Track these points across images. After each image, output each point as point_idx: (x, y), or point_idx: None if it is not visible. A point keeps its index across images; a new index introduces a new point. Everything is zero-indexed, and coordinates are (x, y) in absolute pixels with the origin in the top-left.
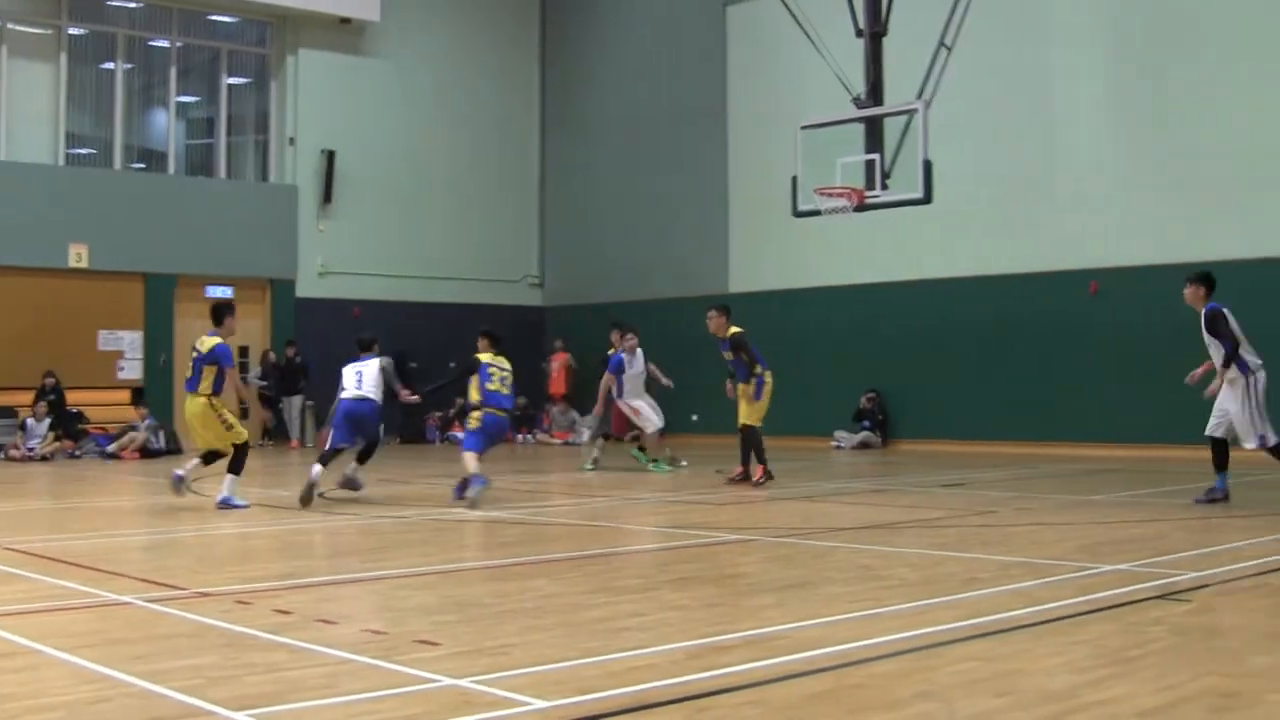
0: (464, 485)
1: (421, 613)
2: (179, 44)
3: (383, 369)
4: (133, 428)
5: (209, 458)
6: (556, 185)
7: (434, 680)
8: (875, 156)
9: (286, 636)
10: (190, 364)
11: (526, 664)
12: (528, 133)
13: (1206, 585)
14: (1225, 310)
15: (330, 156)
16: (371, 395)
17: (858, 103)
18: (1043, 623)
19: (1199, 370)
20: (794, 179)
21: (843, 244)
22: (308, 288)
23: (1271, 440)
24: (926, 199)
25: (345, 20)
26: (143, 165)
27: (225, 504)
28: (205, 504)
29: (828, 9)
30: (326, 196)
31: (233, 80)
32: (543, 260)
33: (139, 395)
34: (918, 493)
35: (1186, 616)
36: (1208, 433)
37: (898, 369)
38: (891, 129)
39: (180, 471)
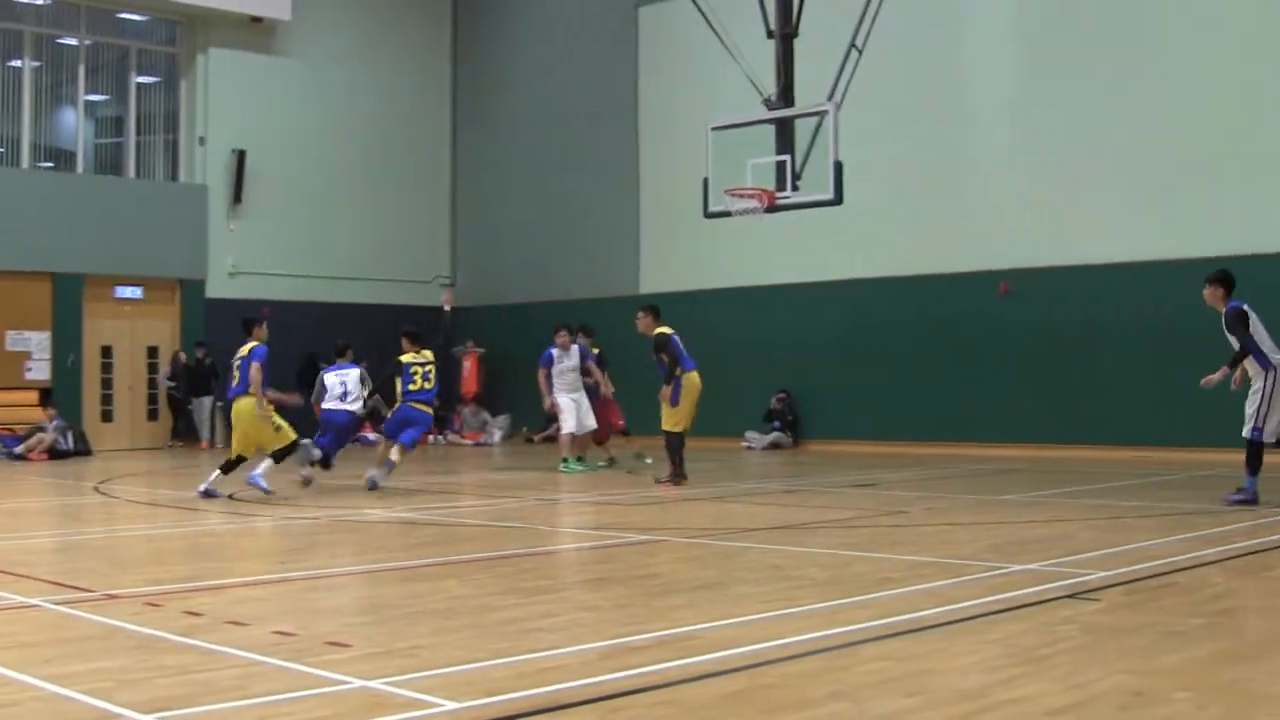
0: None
1: (332, 614)
2: (88, 42)
3: (361, 377)
4: (40, 429)
5: (228, 466)
6: (468, 185)
7: (345, 682)
8: (786, 158)
9: (197, 639)
10: (235, 371)
11: (437, 665)
12: (439, 132)
13: (1115, 584)
14: (1246, 309)
15: (241, 156)
16: (352, 407)
17: (768, 104)
18: (954, 622)
19: (1217, 376)
20: (705, 180)
21: (753, 245)
22: (218, 288)
23: (1269, 439)
24: (837, 200)
25: (256, 19)
26: (51, 164)
27: (253, 482)
28: (115, 505)
29: (739, 10)
30: (237, 196)
31: (142, 79)
32: (454, 260)
33: (47, 396)
34: (828, 493)
35: (1096, 615)
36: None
37: (808, 370)
38: (802, 130)
39: (203, 487)
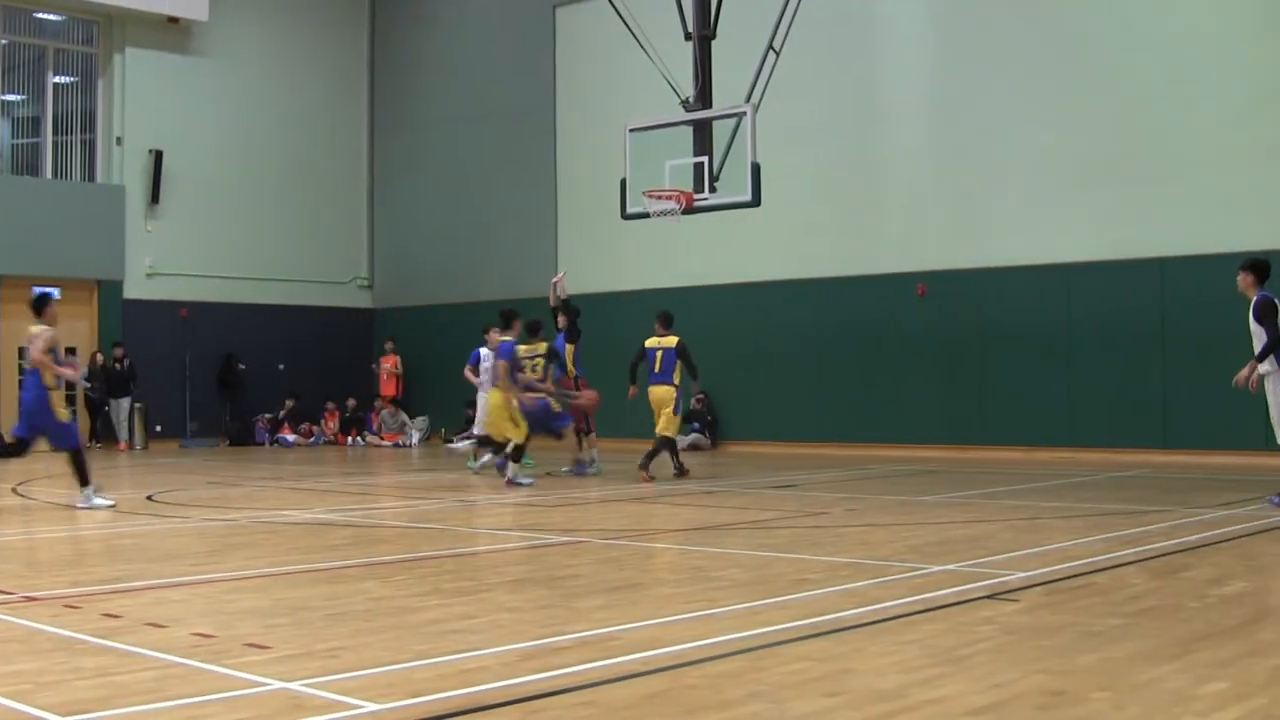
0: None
1: (252, 616)
2: (4, 41)
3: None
4: None
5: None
6: (386, 186)
7: (264, 684)
8: (704, 159)
9: (115, 641)
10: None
11: (358, 667)
12: (357, 133)
13: (1034, 585)
14: (1277, 300)
15: (158, 156)
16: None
17: (686, 105)
18: (874, 623)
19: (1245, 371)
20: (623, 181)
21: (672, 247)
22: (135, 289)
23: None
24: (755, 202)
25: (173, 20)
26: None
27: (512, 482)
28: (33, 507)
29: (656, 12)
30: (154, 197)
31: (59, 79)
32: (372, 261)
33: None
34: (748, 494)
35: (1015, 616)
36: None
37: (726, 371)
38: (720, 132)
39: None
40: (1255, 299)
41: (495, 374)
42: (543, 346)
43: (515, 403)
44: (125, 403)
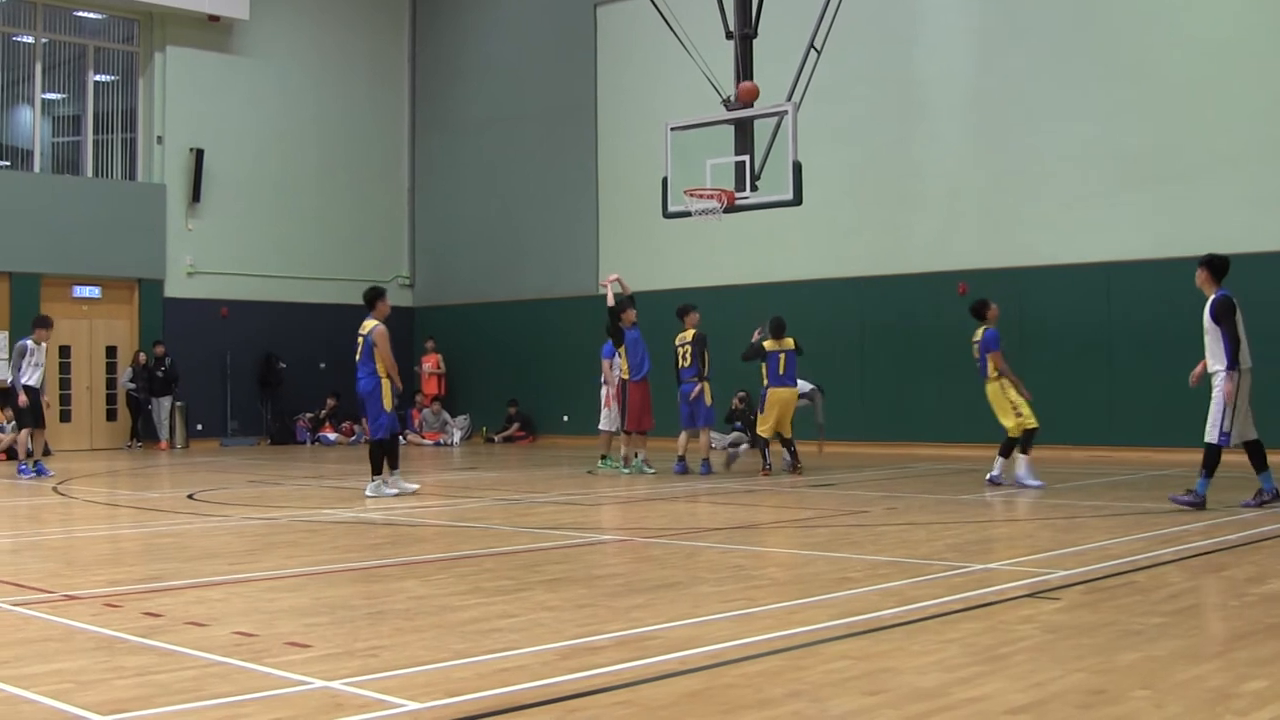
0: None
1: (292, 615)
2: (44, 40)
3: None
4: None
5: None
6: (427, 185)
7: (305, 683)
8: (745, 158)
9: (156, 640)
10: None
11: (397, 666)
12: (398, 132)
13: (1074, 584)
14: (1234, 300)
15: (199, 155)
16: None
17: (728, 104)
18: (913, 621)
19: (1197, 370)
20: (664, 180)
21: (712, 245)
22: (176, 288)
23: (1232, 441)
24: (796, 200)
25: (214, 18)
26: (7, 163)
27: (1020, 482)
28: (74, 506)
29: (698, 10)
30: (195, 195)
31: (99, 77)
32: (413, 260)
33: (4, 397)
34: (788, 493)
35: (1055, 614)
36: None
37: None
38: (761, 131)
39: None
40: (1213, 297)
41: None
42: (690, 334)
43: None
44: (166, 402)
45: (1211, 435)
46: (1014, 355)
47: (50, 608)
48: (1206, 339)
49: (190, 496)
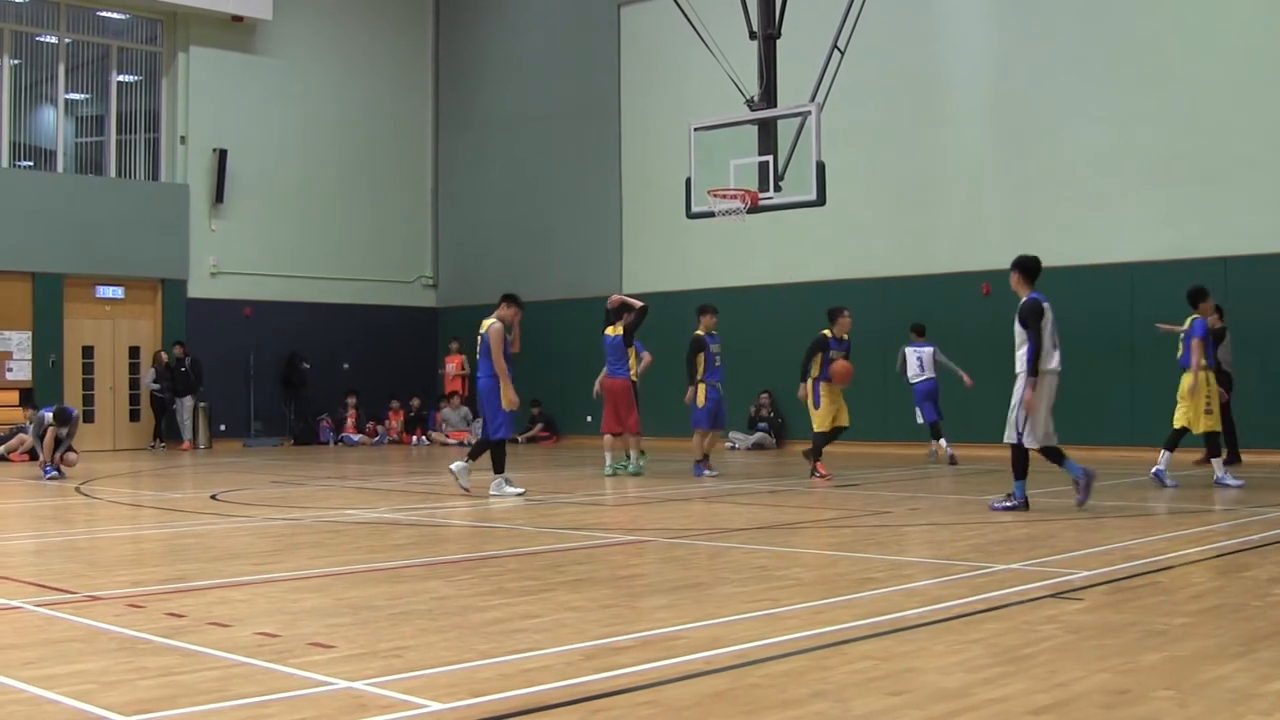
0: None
1: (315, 615)
2: (68, 40)
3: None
4: (21, 429)
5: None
6: (450, 185)
7: (328, 683)
8: (768, 158)
9: (179, 640)
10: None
11: (421, 666)
12: (421, 132)
13: (1098, 584)
14: (1045, 304)
15: (222, 155)
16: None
17: (751, 104)
18: (937, 622)
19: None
20: (687, 180)
21: (736, 245)
22: (199, 288)
23: (1027, 442)
24: (820, 201)
25: (237, 18)
26: (31, 164)
27: (1156, 477)
28: (97, 506)
29: (721, 11)
30: (218, 196)
31: (123, 78)
32: (436, 261)
33: (27, 397)
34: (812, 493)
35: (1078, 615)
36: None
37: (791, 370)
38: (785, 131)
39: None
40: (1023, 300)
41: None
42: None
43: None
44: (188, 402)
45: (1010, 437)
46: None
47: (73, 608)
48: (1016, 340)
49: (213, 497)
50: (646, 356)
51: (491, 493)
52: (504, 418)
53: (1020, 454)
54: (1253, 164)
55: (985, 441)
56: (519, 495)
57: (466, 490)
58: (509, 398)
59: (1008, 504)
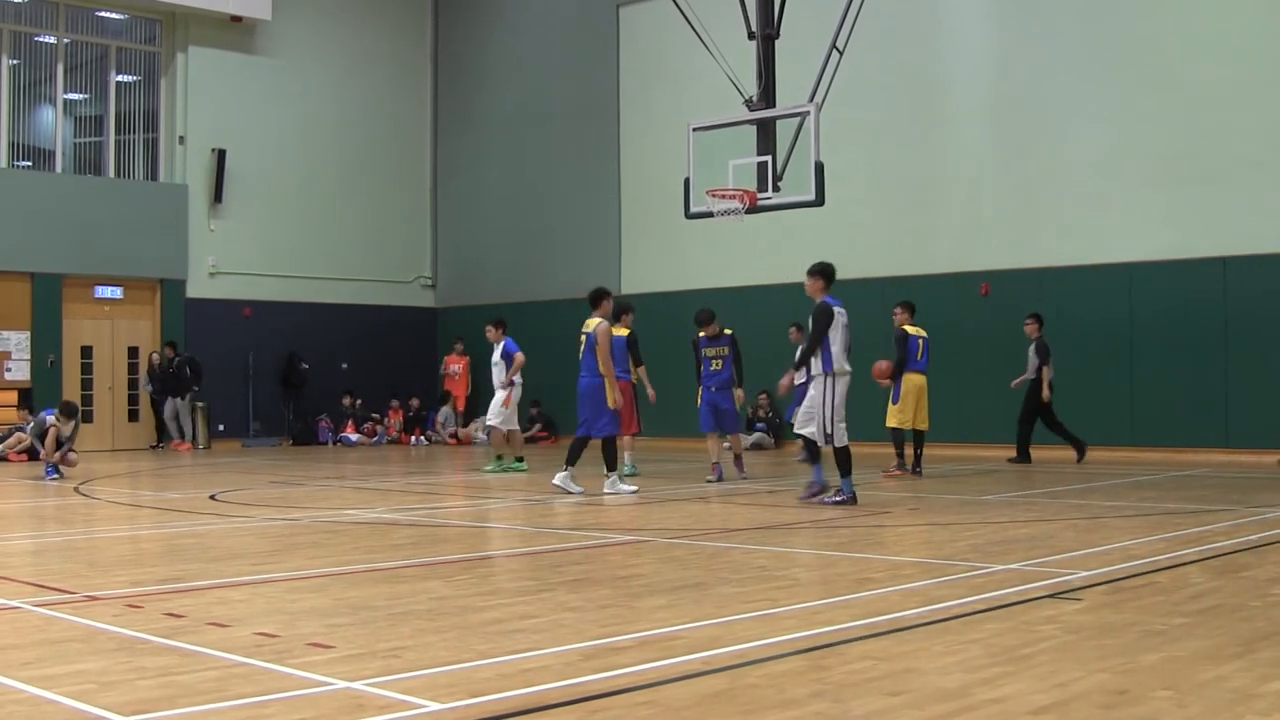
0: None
1: (314, 615)
2: (66, 40)
3: None
4: (19, 429)
5: None
6: (449, 185)
7: (327, 683)
8: (767, 158)
9: (178, 640)
10: None
11: (420, 666)
12: (420, 132)
13: (1097, 584)
14: (837, 310)
15: (221, 155)
16: None
17: (750, 105)
18: (936, 622)
19: (784, 379)
20: (686, 180)
21: (734, 246)
22: (198, 288)
23: (837, 441)
24: (819, 201)
25: (236, 18)
26: (29, 164)
27: None
28: (96, 506)
29: (720, 11)
30: (217, 196)
31: (121, 78)
32: (435, 261)
33: (25, 397)
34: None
35: (1077, 615)
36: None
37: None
38: (784, 131)
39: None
40: (819, 304)
41: None
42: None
43: None
44: (179, 402)
45: (821, 440)
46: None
47: (72, 608)
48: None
49: (212, 497)
50: (520, 357)
51: (606, 491)
52: (609, 416)
53: (841, 452)
54: (1252, 164)
55: (981, 442)
56: (633, 493)
57: (581, 492)
58: (615, 396)
59: (837, 499)
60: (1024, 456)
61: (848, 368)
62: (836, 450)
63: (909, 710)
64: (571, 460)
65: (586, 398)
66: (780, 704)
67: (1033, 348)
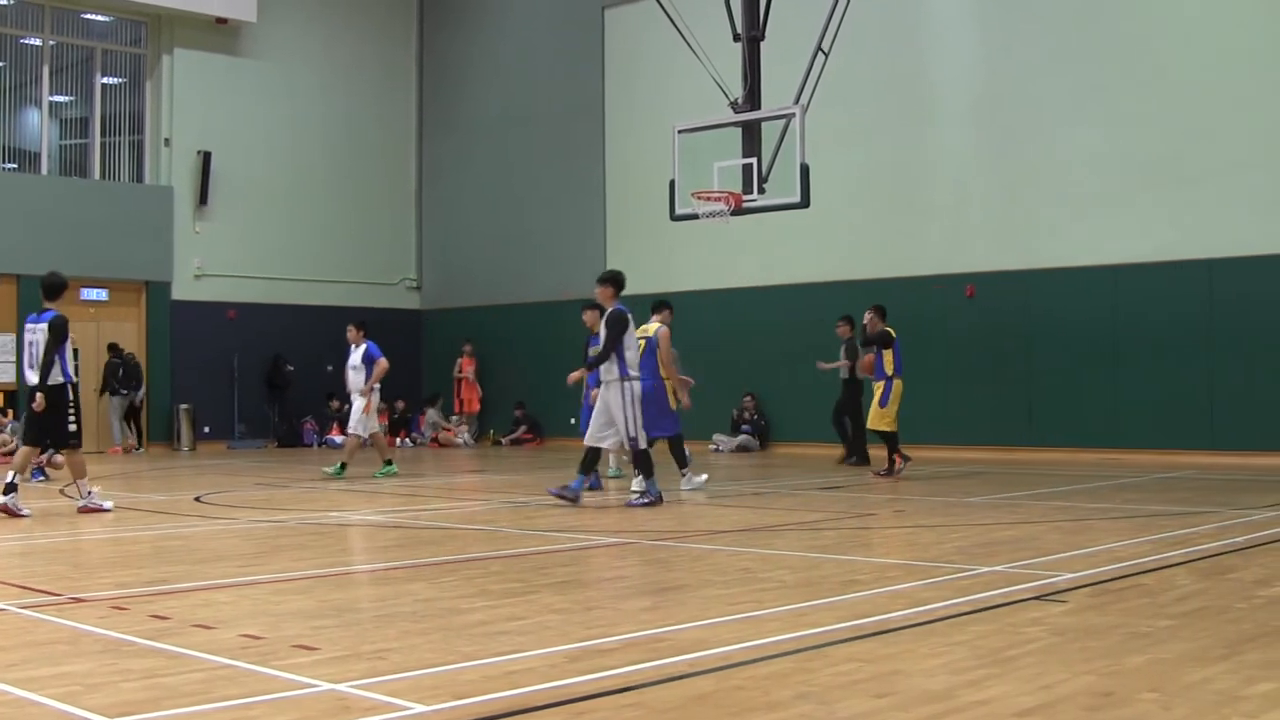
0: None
1: (299, 617)
2: (52, 42)
3: None
4: (3, 431)
5: None
6: (434, 187)
7: (312, 685)
8: (752, 160)
9: (163, 642)
10: None
11: (405, 668)
12: (405, 134)
13: (1082, 586)
14: (629, 315)
15: (206, 157)
16: None
17: (735, 107)
18: (922, 624)
19: (574, 374)
20: (671, 182)
21: (720, 248)
22: (183, 290)
23: (641, 444)
24: (804, 203)
25: (221, 21)
26: (15, 166)
27: None
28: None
29: (706, 13)
30: (203, 198)
31: (107, 80)
32: (420, 263)
33: (10, 399)
34: (796, 495)
35: (1063, 617)
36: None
37: (775, 373)
38: (769, 133)
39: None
40: (609, 310)
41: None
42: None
43: None
44: (116, 401)
45: (626, 444)
46: (1022, 357)
47: (57, 610)
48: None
49: (197, 499)
50: (383, 363)
51: (684, 489)
52: (672, 416)
53: (643, 455)
54: (1238, 167)
55: (966, 444)
56: (704, 480)
57: (705, 480)
58: (683, 398)
59: (644, 500)
60: (862, 457)
61: (637, 372)
62: (639, 453)
63: (895, 712)
64: (684, 463)
65: (650, 400)
66: (766, 706)
67: (844, 348)
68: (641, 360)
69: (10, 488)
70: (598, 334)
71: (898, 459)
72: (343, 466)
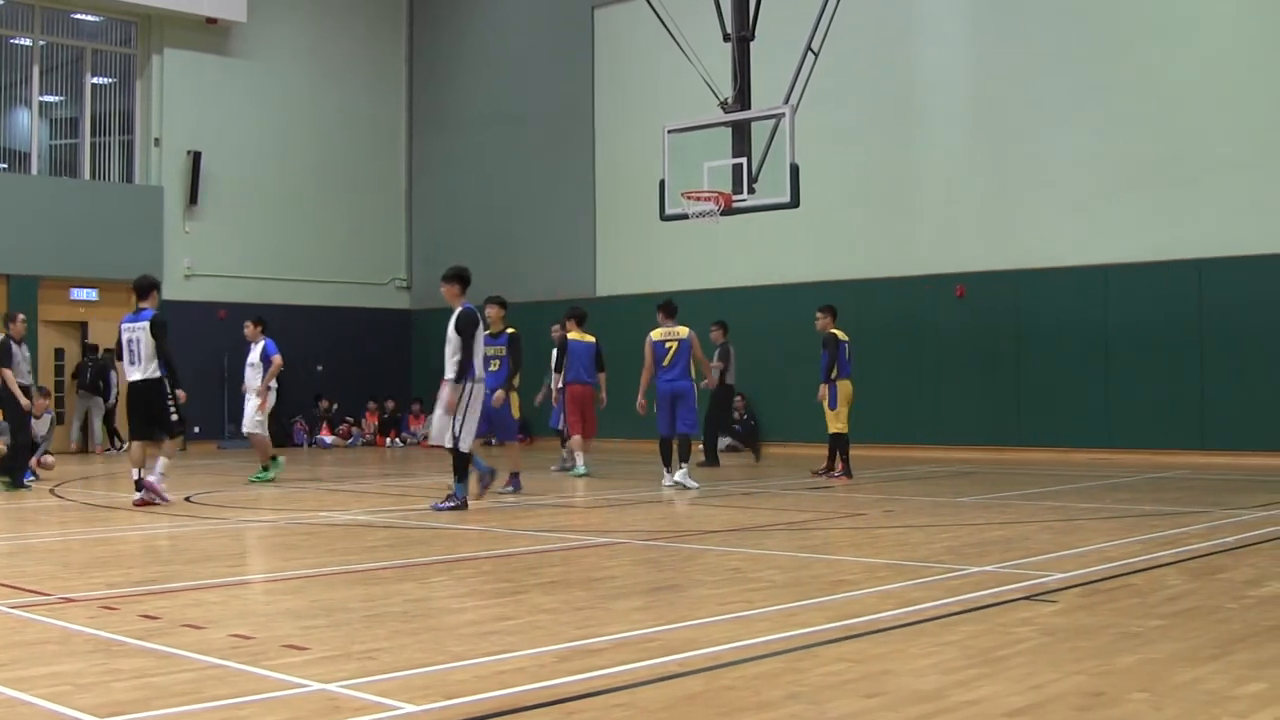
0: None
1: (289, 617)
2: (42, 42)
3: None
4: None
5: None
6: (424, 187)
7: (302, 685)
8: (742, 160)
9: (153, 642)
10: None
11: (395, 668)
12: (395, 134)
13: (1072, 586)
14: (480, 315)
15: (196, 157)
16: None
17: (725, 106)
18: (912, 624)
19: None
20: (661, 182)
21: (710, 248)
22: (174, 290)
23: (464, 446)
24: (794, 203)
25: (211, 20)
26: (5, 166)
27: None
28: (71, 508)
29: (695, 13)
30: (193, 198)
31: (97, 80)
32: (410, 262)
33: None
34: (785, 495)
35: (1053, 617)
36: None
37: (765, 372)
38: (759, 133)
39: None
40: (458, 309)
41: None
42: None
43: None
44: (85, 403)
45: (447, 442)
46: (1013, 357)
47: (47, 610)
48: (448, 349)
49: (188, 499)
50: (278, 360)
51: (690, 486)
52: (696, 415)
53: (460, 457)
54: (1227, 168)
55: (956, 444)
56: (695, 486)
57: (697, 486)
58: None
59: (449, 504)
60: (712, 459)
61: (483, 374)
62: (460, 454)
63: (885, 712)
64: (684, 457)
65: (686, 398)
66: (756, 706)
67: (718, 352)
68: (673, 361)
69: (139, 484)
70: (502, 332)
71: (839, 463)
72: (265, 469)
